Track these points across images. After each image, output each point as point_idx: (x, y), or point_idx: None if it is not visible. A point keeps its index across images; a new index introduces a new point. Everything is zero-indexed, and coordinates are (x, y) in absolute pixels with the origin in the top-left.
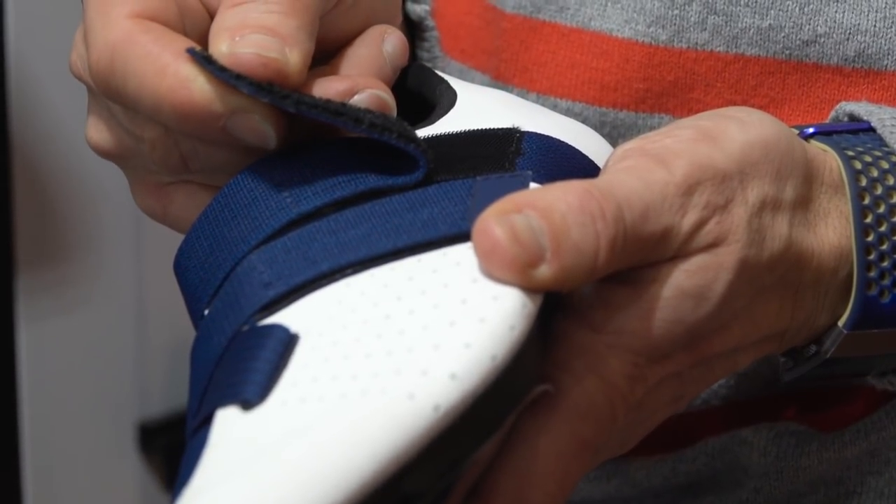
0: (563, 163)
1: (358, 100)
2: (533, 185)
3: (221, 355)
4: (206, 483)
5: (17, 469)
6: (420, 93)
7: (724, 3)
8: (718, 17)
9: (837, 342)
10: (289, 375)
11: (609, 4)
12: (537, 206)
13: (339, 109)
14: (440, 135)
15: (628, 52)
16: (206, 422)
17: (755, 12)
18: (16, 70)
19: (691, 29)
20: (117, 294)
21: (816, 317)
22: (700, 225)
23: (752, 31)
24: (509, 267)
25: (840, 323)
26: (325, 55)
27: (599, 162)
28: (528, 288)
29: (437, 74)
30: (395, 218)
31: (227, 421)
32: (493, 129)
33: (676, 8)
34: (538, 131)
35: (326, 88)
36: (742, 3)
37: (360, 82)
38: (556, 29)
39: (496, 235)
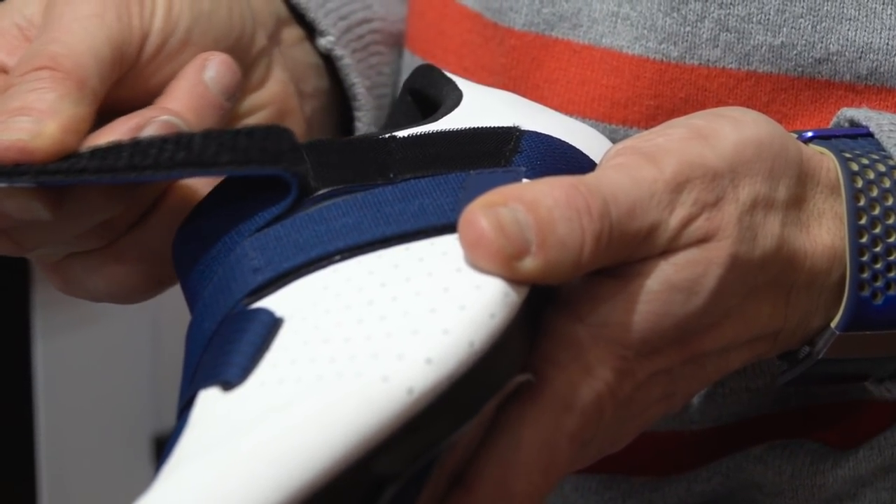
0: (561, 161)
1: (149, 131)
2: (526, 181)
3: (211, 338)
4: (181, 459)
5: (32, 482)
6: (427, 93)
7: (737, 21)
8: (731, 34)
9: (830, 343)
10: (269, 358)
11: (619, 21)
12: (524, 200)
13: (83, 168)
14: (440, 131)
15: (639, 68)
16: (191, 403)
17: (767, 30)
18: None
19: (703, 46)
20: (132, 307)
21: (811, 318)
22: (688, 221)
23: (764, 49)
24: (494, 258)
25: (833, 324)
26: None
27: None
28: (513, 279)
29: (444, 75)
30: (386, 207)
31: (208, 401)
32: (494, 127)
33: (688, 25)
34: (539, 131)
35: (116, 131)
36: (755, 20)
37: (146, 114)
38: (568, 46)
39: (482, 226)
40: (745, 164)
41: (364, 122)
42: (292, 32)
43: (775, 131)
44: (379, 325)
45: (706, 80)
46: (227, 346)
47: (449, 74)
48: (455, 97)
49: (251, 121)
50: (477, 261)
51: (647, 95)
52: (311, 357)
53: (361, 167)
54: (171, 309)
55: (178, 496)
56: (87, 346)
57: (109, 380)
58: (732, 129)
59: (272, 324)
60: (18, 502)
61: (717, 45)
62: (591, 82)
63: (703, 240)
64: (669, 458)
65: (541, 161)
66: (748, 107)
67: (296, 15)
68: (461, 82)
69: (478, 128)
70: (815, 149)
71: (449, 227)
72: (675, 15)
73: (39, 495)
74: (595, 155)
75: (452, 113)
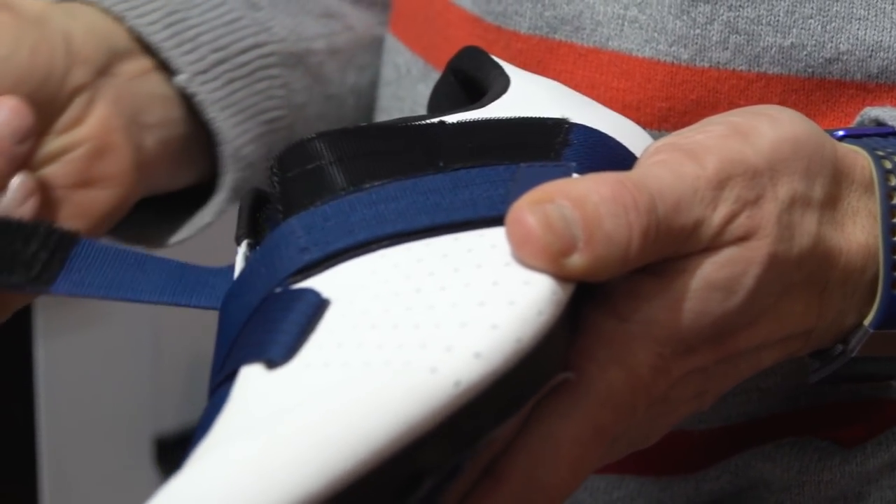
0: (607, 157)
1: None
2: (576, 176)
3: (252, 314)
4: (222, 438)
5: (34, 484)
6: (473, 77)
7: (746, 23)
8: (740, 36)
9: (863, 341)
10: (315, 339)
11: (626, 24)
12: (570, 196)
13: None
14: (489, 119)
15: (650, 71)
16: (230, 378)
17: (777, 31)
18: None
19: (713, 48)
20: (133, 309)
21: (844, 317)
22: (731, 218)
23: (774, 50)
24: (541, 255)
25: (866, 322)
26: None
27: None
28: (560, 277)
29: (491, 59)
30: (436, 196)
31: (251, 379)
32: (543, 118)
33: (698, 27)
34: (587, 124)
35: None
36: (764, 21)
37: None
38: (572, 49)
39: (529, 224)
40: (783, 161)
41: (228, 153)
42: (136, 65)
43: (811, 129)
44: (427, 315)
45: (717, 83)
46: (271, 323)
47: (496, 59)
48: (502, 83)
49: (65, 160)
50: (525, 258)
51: (658, 98)
52: (358, 342)
53: (409, 156)
54: (171, 311)
55: (222, 471)
56: (88, 348)
57: (110, 381)
58: (770, 127)
59: (319, 304)
60: (19, 503)
61: (727, 48)
62: (600, 85)
63: (743, 238)
64: (678, 458)
65: (590, 156)
66: None
67: (148, 47)
68: (508, 68)
69: (527, 118)
70: (848, 147)
71: (498, 220)
72: (684, 18)
73: (40, 496)
74: (635, 149)
75: (500, 100)
